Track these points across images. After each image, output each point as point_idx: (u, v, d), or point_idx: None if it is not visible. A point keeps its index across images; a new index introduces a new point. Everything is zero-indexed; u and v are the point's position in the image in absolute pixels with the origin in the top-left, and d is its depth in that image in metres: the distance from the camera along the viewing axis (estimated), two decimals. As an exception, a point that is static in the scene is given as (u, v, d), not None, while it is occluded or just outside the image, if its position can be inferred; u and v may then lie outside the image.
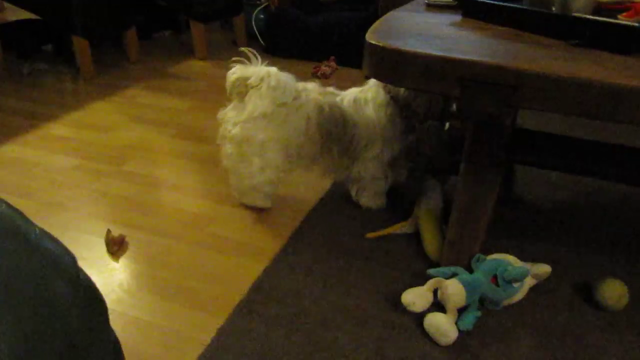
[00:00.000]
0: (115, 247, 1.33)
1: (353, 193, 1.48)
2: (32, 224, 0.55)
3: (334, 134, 1.35)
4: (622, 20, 0.95)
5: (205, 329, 1.10)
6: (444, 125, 1.46)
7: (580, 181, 1.62)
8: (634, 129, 2.00)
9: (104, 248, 1.34)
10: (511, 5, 1.07)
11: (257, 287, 1.20)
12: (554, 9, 1.04)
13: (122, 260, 1.31)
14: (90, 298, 0.58)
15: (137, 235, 1.40)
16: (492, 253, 1.20)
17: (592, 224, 1.43)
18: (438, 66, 0.87)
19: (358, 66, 2.64)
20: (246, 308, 1.14)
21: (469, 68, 0.85)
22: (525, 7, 1.06)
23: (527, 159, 1.16)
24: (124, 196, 1.57)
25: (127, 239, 1.38)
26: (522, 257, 1.20)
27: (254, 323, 1.10)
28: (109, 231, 1.37)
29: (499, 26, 1.08)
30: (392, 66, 0.91)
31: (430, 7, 1.27)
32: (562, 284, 1.22)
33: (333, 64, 2.67)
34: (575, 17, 0.97)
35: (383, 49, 0.90)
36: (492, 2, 1.09)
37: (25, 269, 0.49)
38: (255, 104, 1.27)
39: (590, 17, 0.96)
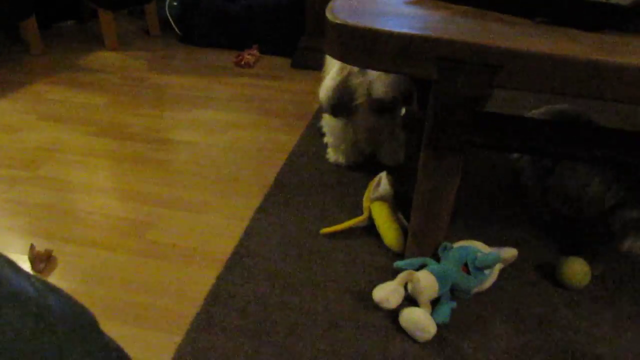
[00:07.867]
0: (42, 264, 1.17)
1: None
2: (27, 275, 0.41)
3: None
4: (586, -4, 0.93)
5: (162, 349, 0.98)
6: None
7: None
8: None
9: (28, 266, 1.17)
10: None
11: (214, 297, 1.09)
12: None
13: (51, 278, 1.15)
14: None
15: (65, 248, 1.23)
16: (453, 240, 1.17)
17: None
18: (415, 46, 0.80)
19: (283, 54, 2.54)
20: (205, 321, 1.03)
21: (448, 47, 0.79)
22: (485, -16, 1.02)
23: (487, 141, 1.13)
24: (44, 205, 1.38)
25: (54, 253, 1.21)
26: (485, 242, 1.18)
27: (216, 338, 0.99)
28: (32, 246, 1.19)
29: (457, 4, 1.03)
30: (363, 47, 0.83)
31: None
32: (525, 266, 1.21)
33: (256, 52, 2.54)
34: (540, -6, 0.94)
35: (353, 28, 0.82)
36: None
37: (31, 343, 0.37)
38: None
39: (556, -7, 0.93)
